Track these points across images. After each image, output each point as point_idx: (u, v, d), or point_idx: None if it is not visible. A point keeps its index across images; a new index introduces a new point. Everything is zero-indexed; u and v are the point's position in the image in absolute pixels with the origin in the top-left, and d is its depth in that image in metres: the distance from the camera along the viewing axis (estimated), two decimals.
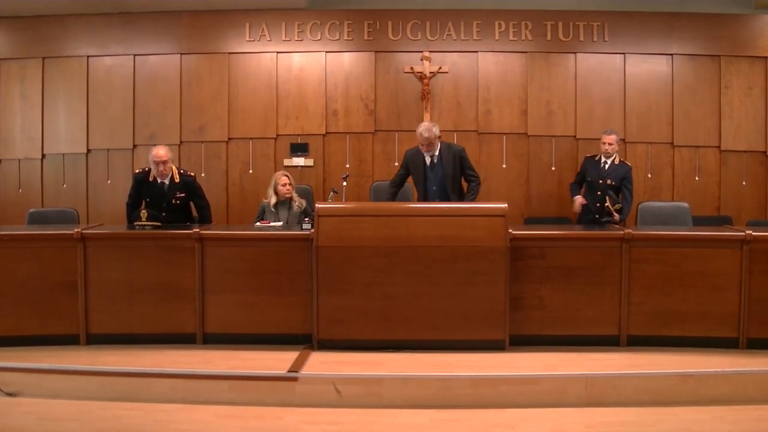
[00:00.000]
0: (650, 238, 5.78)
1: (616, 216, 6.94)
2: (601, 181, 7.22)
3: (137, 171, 6.88)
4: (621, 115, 8.42)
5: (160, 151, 6.62)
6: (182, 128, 8.53)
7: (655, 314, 5.67)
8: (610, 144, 7.29)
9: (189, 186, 6.77)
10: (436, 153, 6.81)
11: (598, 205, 7.09)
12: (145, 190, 6.62)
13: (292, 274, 5.72)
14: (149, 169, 6.72)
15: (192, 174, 6.92)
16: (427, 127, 6.70)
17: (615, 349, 5.63)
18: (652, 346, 5.64)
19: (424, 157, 6.83)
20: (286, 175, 7.04)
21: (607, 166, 7.29)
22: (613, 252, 5.70)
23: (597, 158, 7.39)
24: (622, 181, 7.24)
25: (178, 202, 6.64)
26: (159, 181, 6.67)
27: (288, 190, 6.95)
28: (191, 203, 6.85)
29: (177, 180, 6.71)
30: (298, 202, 6.99)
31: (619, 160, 7.38)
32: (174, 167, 6.76)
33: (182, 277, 5.76)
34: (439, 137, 6.86)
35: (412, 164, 6.91)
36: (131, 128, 8.54)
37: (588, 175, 7.39)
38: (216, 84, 8.53)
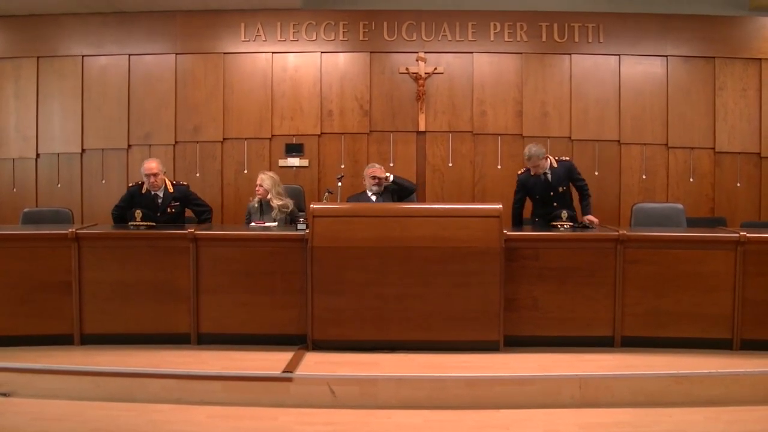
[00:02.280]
0: (644, 239, 5.79)
1: (593, 219, 6.73)
2: (552, 193, 6.93)
3: (132, 184, 6.93)
4: (616, 117, 8.43)
5: (151, 164, 6.73)
6: (177, 128, 8.52)
7: (650, 315, 5.68)
8: (536, 166, 6.86)
9: (183, 195, 6.82)
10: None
11: (554, 215, 6.47)
12: (138, 202, 6.62)
13: (287, 274, 5.72)
14: (142, 182, 6.80)
15: (185, 183, 6.97)
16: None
17: (609, 350, 5.64)
18: (646, 347, 5.64)
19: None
20: (260, 176, 6.98)
21: (549, 176, 6.93)
22: (607, 253, 5.70)
23: (532, 173, 6.96)
24: (570, 179, 7.01)
25: (173, 211, 6.68)
26: (153, 192, 6.72)
27: (259, 192, 6.93)
28: (188, 212, 6.90)
29: (171, 190, 6.77)
30: (282, 205, 6.90)
31: (556, 160, 7.04)
32: (167, 179, 6.84)
33: (177, 278, 5.75)
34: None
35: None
36: (126, 128, 8.53)
37: (534, 193, 7.00)
38: (211, 84, 8.53)
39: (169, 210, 6.63)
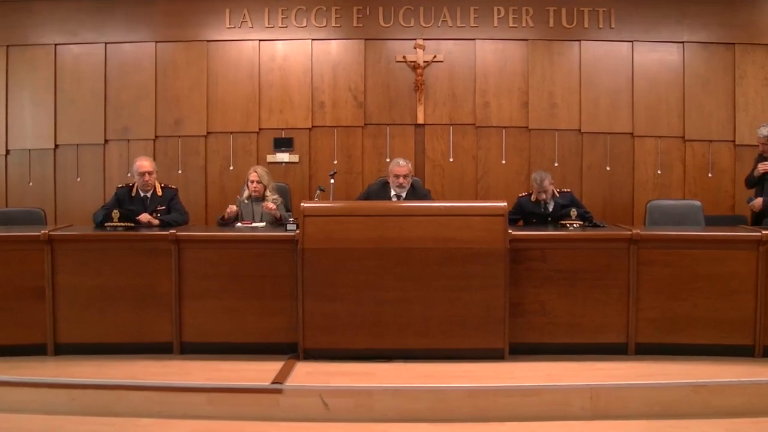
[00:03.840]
0: (660, 238, 5.80)
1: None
2: (550, 219, 6.86)
3: (120, 186, 6.91)
4: (628, 108, 8.46)
5: (145, 162, 6.77)
6: (157, 122, 8.53)
7: (665, 320, 5.69)
8: (545, 191, 6.91)
9: (170, 199, 6.83)
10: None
11: (562, 213, 6.58)
12: (126, 205, 6.62)
13: (276, 278, 5.72)
14: (133, 184, 6.81)
15: (174, 187, 6.97)
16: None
17: (622, 358, 5.65)
18: (662, 354, 5.65)
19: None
20: (258, 171, 7.01)
21: (549, 206, 6.94)
22: (619, 254, 5.72)
23: (533, 198, 7.00)
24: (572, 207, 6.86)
25: (158, 215, 6.66)
26: (141, 194, 6.73)
27: (257, 189, 6.94)
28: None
29: (159, 193, 6.78)
30: (272, 197, 6.92)
31: (558, 191, 7.06)
32: (157, 182, 6.83)
33: (158, 282, 5.76)
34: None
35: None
36: (102, 122, 8.54)
37: (531, 217, 6.97)
38: (194, 74, 8.54)
39: (154, 214, 6.62)
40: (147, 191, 6.76)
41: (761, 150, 7.03)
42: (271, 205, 6.77)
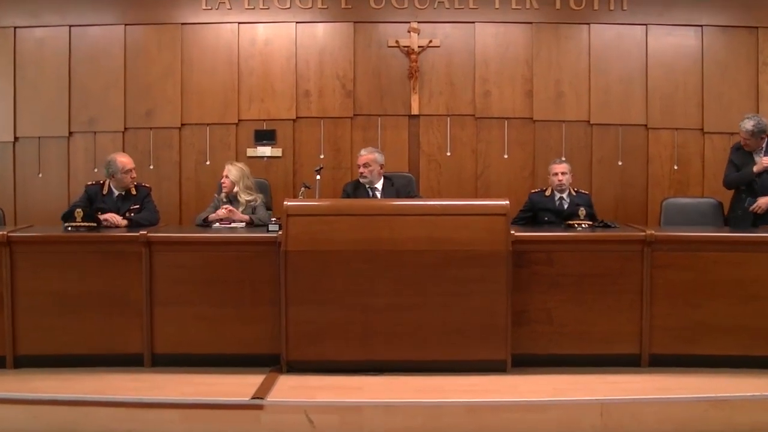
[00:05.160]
0: (676, 240, 5.81)
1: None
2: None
3: (90, 183, 6.89)
4: (642, 97, 8.46)
5: (125, 159, 6.77)
6: (127, 112, 8.50)
7: (682, 329, 5.70)
8: (563, 173, 7.24)
9: (144, 198, 6.83)
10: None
11: (570, 213, 6.65)
12: (98, 204, 6.61)
13: (257, 283, 5.73)
14: (104, 182, 6.80)
15: (148, 186, 6.97)
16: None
17: (635, 370, 5.65)
18: (679, 366, 5.66)
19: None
20: (229, 167, 7.02)
21: (564, 203, 7.19)
22: (632, 257, 5.73)
23: (547, 193, 7.31)
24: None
25: (132, 215, 6.65)
26: (115, 193, 6.73)
27: (225, 185, 6.96)
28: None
29: (134, 192, 6.79)
30: (252, 200, 6.91)
31: (575, 190, 7.32)
32: None
33: (127, 288, 5.74)
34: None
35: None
36: (66, 113, 8.50)
37: (542, 214, 7.21)
38: (167, 60, 8.52)
39: (127, 215, 6.61)
40: (123, 190, 6.75)
41: (744, 144, 6.99)
42: (221, 212, 6.73)
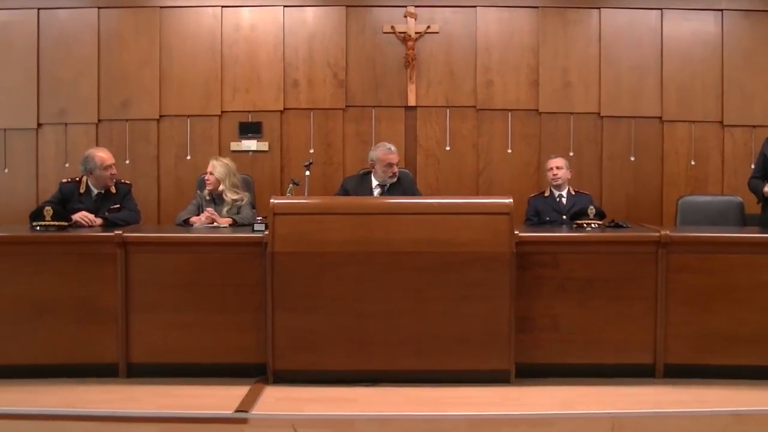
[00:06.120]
0: (693, 241, 5.82)
1: None
2: (564, 216, 7.14)
3: (65, 180, 6.87)
4: (657, 88, 8.49)
5: (104, 155, 6.74)
6: (101, 103, 8.51)
7: (700, 337, 5.71)
8: (558, 167, 7.33)
9: (124, 196, 6.84)
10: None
11: (578, 211, 6.65)
12: (74, 204, 6.60)
13: (241, 287, 5.72)
14: (80, 179, 6.79)
15: (128, 182, 6.98)
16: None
17: (649, 382, 5.66)
18: (696, 377, 5.66)
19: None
20: (213, 162, 7.01)
21: (564, 199, 7.30)
22: (646, 259, 5.73)
23: (546, 194, 7.43)
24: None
25: (108, 214, 6.64)
26: (94, 192, 6.72)
27: (210, 182, 6.95)
28: None
29: (114, 191, 6.78)
30: (237, 198, 6.92)
31: (575, 190, 7.41)
32: None
33: (101, 293, 5.73)
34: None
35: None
36: (35, 103, 8.51)
37: (545, 215, 7.31)
38: (144, 47, 8.52)
39: (107, 214, 6.60)
40: (102, 188, 6.74)
41: None
42: (203, 219, 6.71)
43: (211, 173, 6.92)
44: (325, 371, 5.61)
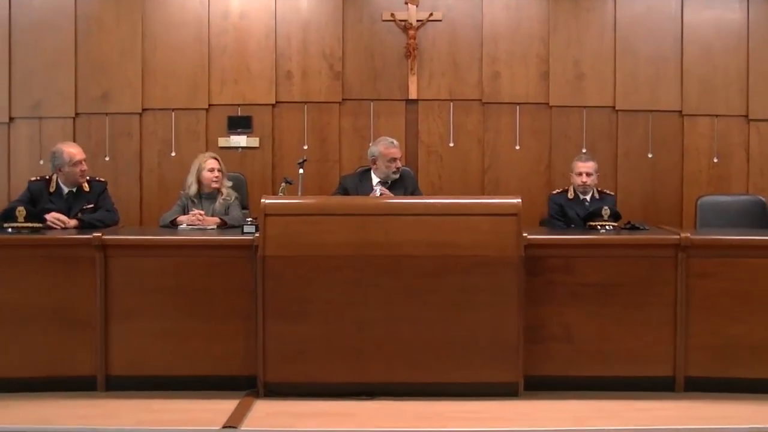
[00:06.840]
0: (716, 244, 5.82)
1: None
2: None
3: (34, 179, 6.85)
4: (676, 80, 8.47)
5: (75, 148, 6.72)
6: (78, 95, 8.49)
7: (723, 348, 5.70)
8: (588, 174, 7.19)
9: (99, 195, 6.81)
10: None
11: (592, 212, 6.74)
12: (43, 204, 6.57)
13: (230, 293, 5.72)
14: (50, 177, 6.77)
15: (103, 180, 6.97)
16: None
17: (668, 396, 5.66)
18: (718, 391, 5.65)
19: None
20: (216, 158, 7.03)
21: (588, 203, 7.18)
22: (664, 264, 5.73)
23: (570, 195, 7.27)
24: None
25: (83, 216, 6.62)
26: (65, 190, 6.69)
27: (217, 178, 6.94)
28: None
29: (87, 188, 6.74)
30: (226, 195, 6.93)
31: (599, 191, 7.32)
32: None
33: (78, 299, 5.73)
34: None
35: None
36: (7, 95, 8.48)
37: (569, 218, 7.19)
38: (125, 36, 8.50)
39: (80, 215, 6.59)
40: (73, 186, 6.71)
41: None
42: (193, 218, 6.68)
43: (218, 170, 6.92)
44: (319, 383, 5.60)
